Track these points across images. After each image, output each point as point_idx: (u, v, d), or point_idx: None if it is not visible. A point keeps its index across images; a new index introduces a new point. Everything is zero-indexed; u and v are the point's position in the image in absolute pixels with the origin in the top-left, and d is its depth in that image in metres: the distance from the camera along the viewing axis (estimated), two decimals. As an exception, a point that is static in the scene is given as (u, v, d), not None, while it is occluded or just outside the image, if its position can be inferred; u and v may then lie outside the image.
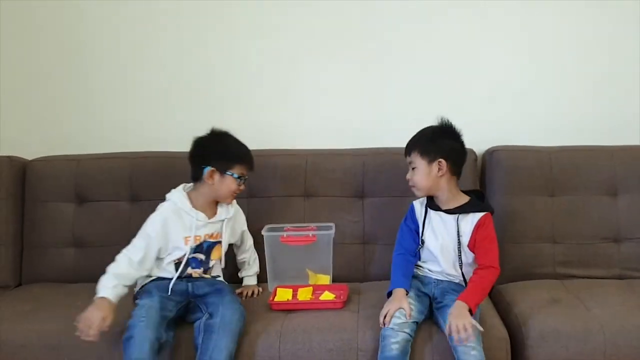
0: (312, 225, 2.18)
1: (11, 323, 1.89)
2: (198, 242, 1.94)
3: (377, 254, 2.25)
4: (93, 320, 1.71)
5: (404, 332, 1.71)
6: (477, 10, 2.39)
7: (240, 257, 2.15)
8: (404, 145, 2.33)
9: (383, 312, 1.76)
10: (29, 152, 2.41)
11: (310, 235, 2.10)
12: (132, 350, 1.68)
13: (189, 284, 1.91)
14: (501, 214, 2.21)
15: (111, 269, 1.84)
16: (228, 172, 1.94)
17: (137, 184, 2.29)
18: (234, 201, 2.06)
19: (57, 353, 1.81)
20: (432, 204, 1.94)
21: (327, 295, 1.98)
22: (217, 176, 1.94)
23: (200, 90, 2.48)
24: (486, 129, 2.36)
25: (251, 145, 2.35)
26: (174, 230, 1.91)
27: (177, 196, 1.95)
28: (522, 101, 2.43)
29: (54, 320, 1.89)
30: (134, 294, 1.93)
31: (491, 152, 2.31)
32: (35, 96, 2.51)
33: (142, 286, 1.92)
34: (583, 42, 2.39)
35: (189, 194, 1.97)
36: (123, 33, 2.47)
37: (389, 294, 1.83)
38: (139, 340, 1.69)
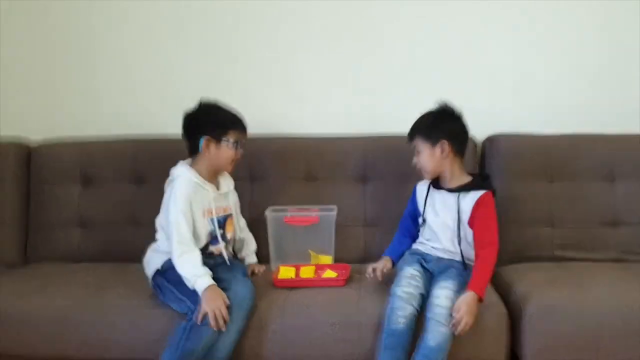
0: (315, 207, 2.21)
1: (18, 299, 1.92)
2: (217, 216, 1.95)
3: (378, 236, 2.27)
4: (221, 309, 1.72)
5: (412, 305, 1.75)
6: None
7: (237, 237, 2.14)
8: (404, 130, 2.36)
9: (369, 268, 1.90)
10: (35, 135, 2.44)
11: (313, 215, 2.13)
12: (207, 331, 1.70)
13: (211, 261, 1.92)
14: (501, 199, 2.22)
15: (186, 260, 1.81)
16: (223, 140, 1.93)
17: (141, 166, 2.32)
18: (231, 180, 2.07)
19: (63, 327, 1.84)
20: (436, 183, 2.00)
21: (329, 273, 2.01)
22: (212, 145, 1.93)
23: (204, 75, 2.50)
24: (486, 116, 2.39)
25: (254, 131, 2.38)
26: (195, 205, 1.90)
27: (187, 170, 1.93)
28: (522, 88, 2.46)
29: (60, 296, 1.93)
30: (154, 278, 1.91)
31: (491, 139, 2.34)
32: (40, 80, 2.54)
33: (163, 271, 1.89)
34: (583, 30, 2.42)
35: (193, 167, 1.96)
36: (128, 17, 2.50)
37: None
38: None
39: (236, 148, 1.95)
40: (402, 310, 1.74)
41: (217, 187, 2.00)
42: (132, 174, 2.33)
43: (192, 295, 1.79)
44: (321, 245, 2.17)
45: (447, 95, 2.44)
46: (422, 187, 2.04)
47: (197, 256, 1.84)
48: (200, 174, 1.95)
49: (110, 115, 2.52)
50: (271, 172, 2.33)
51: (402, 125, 2.39)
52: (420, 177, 2.04)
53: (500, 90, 2.46)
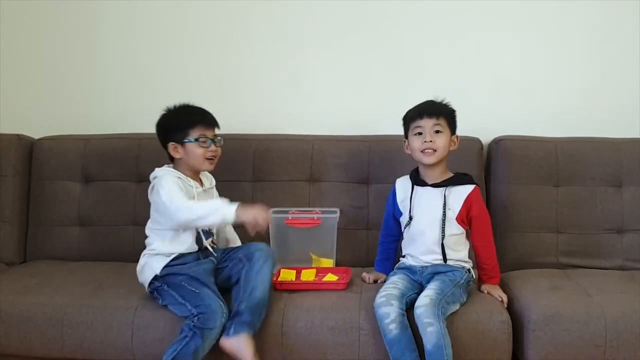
0: (317, 209, 2.19)
1: (16, 296, 1.90)
2: None
3: (381, 240, 2.25)
4: (260, 213, 1.78)
5: (393, 304, 1.73)
6: (484, 0, 2.40)
7: (222, 235, 2.10)
8: (409, 132, 2.35)
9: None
10: (37, 130, 2.43)
11: (315, 218, 2.11)
12: (212, 318, 1.71)
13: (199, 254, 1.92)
14: (506, 203, 2.22)
15: (195, 207, 1.83)
16: (185, 140, 1.91)
17: (143, 164, 2.30)
18: (212, 178, 2.06)
19: (61, 326, 1.82)
20: (417, 180, 1.97)
21: (330, 277, 1.99)
22: (179, 148, 1.92)
23: (208, 74, 2.49)
24: (492, 119, 2.37)
25: (258, 130, 2.39)
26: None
27: (167, 170, 1.93)
28: (528, 92, 2.44)
29: (58, 294, 1.91)
30: (151, 284, 1.88)
31: (497, 142, 2.32)
32: (44, 75, 2.54)
33: (161, 277, 1.86)
34: (591, 33, 2.40)
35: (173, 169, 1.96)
36: (133, 15, 2.49)
37: None
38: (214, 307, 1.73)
39: (203, 144, 1.91)
40: (387, 317, 1.71)
41: (201, 184, 2.00)
42: (134, 172, 2.32)
43: (193, 298, 1.77)
44: (323, 247, 2.15)
45: (454, 98, 2.43)
46: (404, 184, 2.00)
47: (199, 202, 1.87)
48: (183, 173, 1.94)
49: (113, 114, 2.51)
50: (274, 172, 2.31)
51: (408, 127, 2.38)
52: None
53: (507, 93, 2.44)
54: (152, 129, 2.37)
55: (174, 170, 1.94)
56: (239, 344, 1.71)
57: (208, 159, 1.93)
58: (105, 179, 2.32)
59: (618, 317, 1.74)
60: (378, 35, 2.45)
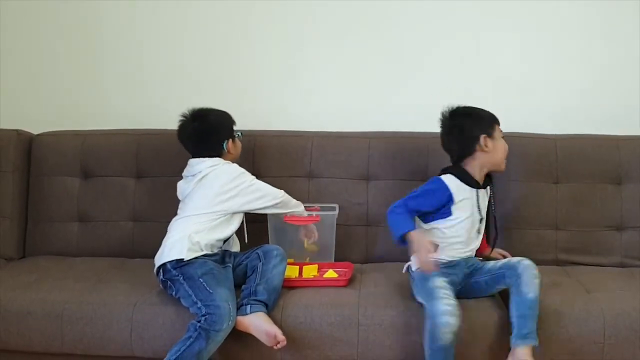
0: (316, 205, 2.19)
1: (16, 292, 1.90)
2: None
3: (380, 236, 2.25)
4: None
5: (457, 317, 1.67)
6: (485, -1, 2.40)
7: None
8: (410, 129, 2.36)
9: (419, 260, 1.74)
10: (36, 126, 2.42)
11: (314, 215, 2.11)
12: (219, 320, 1.71)
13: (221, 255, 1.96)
14: (506, 200, 2.22)
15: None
16: (235, 135, 2.08)
17: (143, 160, 2.30)
18: None
19: (60, 321, 1.82)
20: (471, 182, 1.89)
21: (331, 273, 1.99)
22: (231, 143, 2.06)
23: (208, 70, 2.49)
24: (492, 116, 2.37)
25: (257, 126, 2.38)
26: None
27: (221, 160, 2.02)
28: (528, 89, 2.43)
29: (57, 290, 1.91)
30: (166, 272, 1.87)
31: (497, 139, 2.32)
32: (43, 71, 2.53)
33: (182, 265, 1.85)
34: (590, 31, 2.40)
35: None
36: (133, 11, 2.48)
37: (401, 241, 1.78)
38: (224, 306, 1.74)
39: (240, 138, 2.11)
40: (448, 326, 1.65)
41: None
42: (133, 168, 2.31)
43: (206, 297, 1.75)
44: (322, 244, 2.15)
45: (454, 95, 2.42)
46: (457, 185, 1.88)
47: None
48: None
49: (112, 110, 2.51)
50: (273, 169, 2.30)
51: (408, 124, 2.39)
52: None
53: (507, 91, 2.44)
54: (151, 125, 2.40)
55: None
56: (258, 321, 1.74)
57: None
58: (105, 175, 2.32)
59: (617, 314, 1.74)
60: (378, 33, 2.44)
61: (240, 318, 1.75)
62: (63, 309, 1.83)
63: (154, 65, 2.50)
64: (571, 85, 2.42)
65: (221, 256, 1.96)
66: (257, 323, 1.73)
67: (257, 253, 1.94)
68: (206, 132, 2.04)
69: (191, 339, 1.69)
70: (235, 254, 2.00)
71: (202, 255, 1.88)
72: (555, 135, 2.30)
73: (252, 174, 2.28)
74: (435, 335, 1.66)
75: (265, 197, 2.00)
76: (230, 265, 1.95)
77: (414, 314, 1.77)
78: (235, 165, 2.03)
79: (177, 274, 1.83)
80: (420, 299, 1.78)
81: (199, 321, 1.71)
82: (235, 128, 2.09)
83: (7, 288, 1.92)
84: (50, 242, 2.30)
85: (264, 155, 2.30)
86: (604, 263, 2.17)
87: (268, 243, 2.14)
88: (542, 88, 2.43)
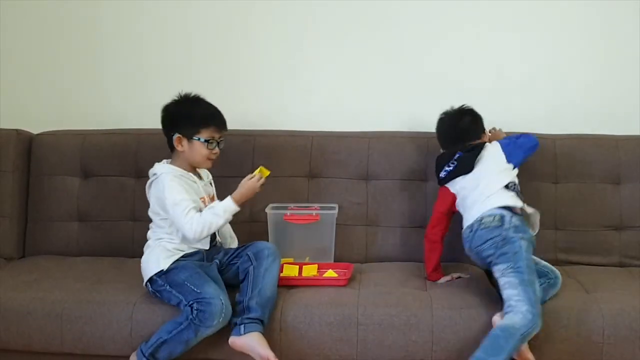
0: (316, 205, 2.19)
1: (15, 292, 1.90)
2: (207, 204, 1.92)
3: (380, 236, 2.26)
4: (247, 183, 1.87)
5: None
6: (484, -3, 2.41)
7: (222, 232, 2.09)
8: (408, 129, 2.36)
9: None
10: (36, 125, 2.42)
11: (314, 214, 2.11)
12: (210, 317, 1.70)
13: (204, 253, 1.93)
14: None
15: (197, 218, 1.83)
16: (194, 137, 1.90)
17: (142, 160, 2.30)
18: (208, 172, 2.06)
19: (59, 321, 1.82)
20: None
21: (331, 273, 2.00)
22: (185, 142, 1.91)
23: (208, 70, 2.49)
24: (491, 116, 2.35)
25: (257, 126, 2.38)
26: (190, 192, 1.89)
27: (166, 167, 1.92)
28: (528, 89, 2.43)
29: (57, 289, 1.91)
30: (153, 282, 1.86)
31: (496, 138, 2.32)
32: (43, 70, 2.53)
33: (164, 273, 1.85)
34: (590, 31, 2.40)
35: (173, 164, 1.95)
36: (132, 11, 2.48)
37: None
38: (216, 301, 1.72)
39: (210, 146, 1.92)
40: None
41: (200, 177, 1.99)
42: (133, 167, 2.31)
43: (195, 297, 1.74)
44: (321, 243, 2.15)
45: (453, 94, 2.43)
46: None
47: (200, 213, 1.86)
48: (183, 168, 1.94)
49: (112, 109, 2.51)
50: (273, 168, 2.27)
51: (407, 124, 2.39)
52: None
53: (507, 90, 2.44)
54: (151, 125, 2.37)
55: (174, 167, 1.92)
56: (252, 342, 1.71)
57: (209, 159, 1.94)
58: (104, 175, 2.32)
59: (616, 314, 1.74)
60: (378, 32, 2.44)
61: (234, 338, 1.73)
62: (63, 309, 1.83)
63: (154, 65, 2.50)
64: (570, 85, 2.43)
65: (205, 255, 1.92)
66: (251, 345, 1.71)
67: (247, 255, 1.88)
68: (162, 114, 1.96)
69: (181, 326, 1.71)
70: (227, 250, 1.96)
71: (182, 257, 1.87)
72: (554, 135, 2.30)
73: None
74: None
75: (179, 228, 1.86)
76: (217, 261, 1.92)
77: (413, 314, 1.78)
78: (170, 177, 1.86)
79: (162, 283, 1.83)
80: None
81: (191, 313, 1.71)
82: (206, 133, 1.91)
83: (7, 287, 1.92)
84: (50, 241, 2.30)
85: (264, 155, 2.30)
86: (603, 263, 2.17)
87: (269, 241, 2.14)
88: (542, 88, 2.44)
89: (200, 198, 1.93)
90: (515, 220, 1.84)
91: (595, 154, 2.25)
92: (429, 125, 2.35)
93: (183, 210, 1.83)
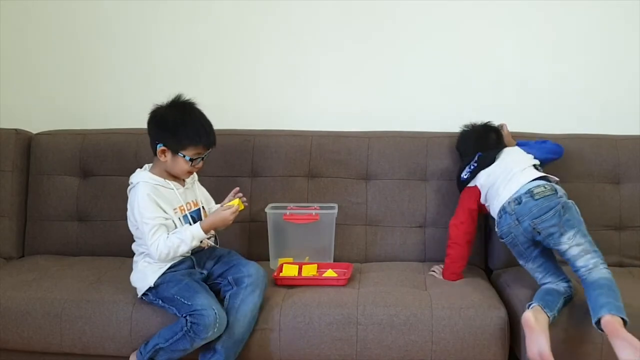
0: (315, 205, 2.19)
1: (15, 291, 1.90)
2: (186, 212, 1.89)
3: (379, 236, 2.26)
4: (220, 214, 1.84)
5: None
6: (485, -2, 2.41)
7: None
8: (409, 128, 2.36)
9: None
10: (35, 125, 2.42)
11: (313, 214, 2.11)
12: (204, 330, 1.69)
13: (194, 259, 1.91)
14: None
15: (163, 240, 1.79)
16: (180, 154, 1.84)
17: (142, 159, 2.27)
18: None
19: (59, 320, 1.83)
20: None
21: (330, 273, 1.99)
22: (169, 155, 1.85)
23: (208, 69, 2.49)
24: (492, 115, 2.36)
25: (257, 125, 2.38)
26: (165, 206, 1.84)
27: (145, 176, 1.88)
28: (527, 88, 2.44)
29: (56, 289, 1.91)
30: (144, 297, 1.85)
31: (495, 138, 2.32)
32: (42, 70, 2.53)
33: (154, 287, 1.83)
34: (589, 31, 2.40)
35: (151, 172, 1.90)
36: (133, 10, 2.48)
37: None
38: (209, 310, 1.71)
39: (194, 163, 1.86)
40: None
41: (183, 182, 1.94)
42: (132, 167, 2.27)
43: (187, 310, 1.72)
44: (321, 243, 2.15)
45: (454, 94, 2.43)
46: None
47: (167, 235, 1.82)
48: (160, 175, 1.89)
49: (111, 109, 2.51)
50: (272, 168, 2.30)
51: (407, 123, 2.39)
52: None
53: (506, 89, 2.44)
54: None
55: (152, 175, 1.88)
56: None
57: (190, 172, 1.91)
58: (103, 174, 2.32)
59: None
60: (378, 33, 2.44)
61: None
62: (62, 308, 1.83)
63: (154, 64, 2.50)
64: (569, 84, 2.43)
65: (195, 260, 1.90)
66: None
67: (227, 279, 1.84)
68: (150, 117, 1.89)
69: (177, 336, 1.71)
70: (219, 258, 1.92)
71: (170, 268, 1.84)
72: (554, 134, 2.30)
73: (251, 174, 2.30)
74: None
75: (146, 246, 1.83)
76: (206, 272, 1.89)
77: (412, 313, 1.78)
78: (139, 194, 1.82)
79: (154, 298, 1.82)
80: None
81: (186, 325, 1.70)
82: (191, 151, 1.83)
83: (6, 287, 1.92)
84: (49, 241, 2.30)
85: (263, 155, 2.30)
86: None
87: (268, 241, 2.15)
88: (541, 87, 2.44)
89: (178, 207, 1.88)
90: (561, 188, 1.89)
91: (595, 154, 2.25)
92: (429, 125, 2.35)
93: (150, 230, 1.79)
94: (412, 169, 2.27)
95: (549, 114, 2.43)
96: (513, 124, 2.35)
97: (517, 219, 1.85)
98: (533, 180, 1.89)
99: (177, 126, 1.84)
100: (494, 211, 1.95)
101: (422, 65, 2.45)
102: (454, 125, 2.29)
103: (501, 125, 2.22)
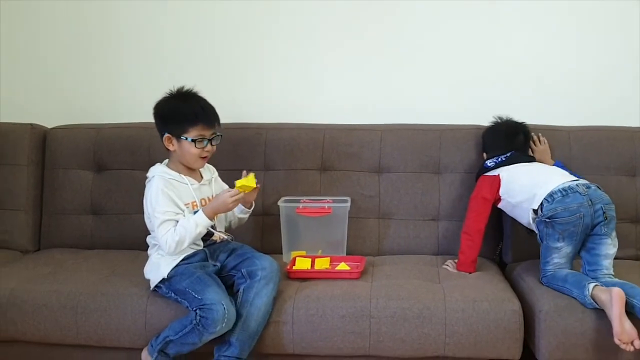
0: (328, 198, 2.19)
1: (31, 284, 1.92)
2: (198, 208, 1.88)
3: (392, 229, 2.25)
4: (222, 197, 1.82)
5: None
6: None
7: (233, 220, 2.07)
8: (421, 121, 2.35)
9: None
10: (50, 120, 2.44)
11: (326, 207, 2.11)
12: (213, 324, 1.69)
13: (207, 251, 1.92)
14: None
15: (171, 231, 1.80)
16: (182, 137, 1.85)
17: (155, 153, 2.29)
18: (213, 168, 2.03)
19: (74, 313, 1.84)
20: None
21: (343, 266, 1.99)
22: (174, 142, 1.87)
23: (219, 63, 2.49)
24: (506, 108, 2.34)
25: (269, 119, 2.38)
26: (178, 201, 1.85)
27: (160, 169, 1.89)
28: (542, 81, 2.41)
29: (72, 282, 1.93)
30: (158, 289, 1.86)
31: (510, 131, 2.30)
32: (57, 66, 2.55)
33: (167, 279, 1.84)
34: (606, 23, 2.37)
35: (168, 166, 1.92)
36: (146, 5, 2.49)
37: None
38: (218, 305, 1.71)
39: (200, 144, 1.86)
40: None
41: (200, 178, 1.95)
42: (146, 160, 2.30)
43: (198, 304, 1.73)
44: (334, 236, 2.15)
45: (467, 88, 2.41)
46: None
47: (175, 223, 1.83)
48: (177, 170, 1.91)
49: (124, 103, 2.52)
50: (285, 161, 2.30)
51: (420, 116, 2.38)
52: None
53: (521, 82, 2.42)
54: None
55: (166, 170, 1.90)
56: None
57: (202, 157, 1.90)
58: (118, 168, 2.33)
59: (631, 307, 1.72)
60: (390, 26, 2.43)
61: None
62: (78, 301, 1.85)
63: (166, 60, 2.51)
64: (585, 76, 2.40)
65: (208, 253, 1.90)
66: None
67: (241, 272, 1.84)
68: (153, 111, 1.91)
69: (187, 329, 1.72)
70: (233, 251, 1.92)
71: (183, 260, 1.85)
72: (569, 127, 2.28)
73: (264, 168, 2.30)
74: None
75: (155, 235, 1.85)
76: (219, 264, 1.90)
77: (426, 306, 1.77)
78: (153, 188, 1.83)
79: (167, 291, 1.83)
80: None
81: (195, 319, 1.71)
82: (193, 132, 1.85)
83: (23, 280, 1.94)
84: (64, 234, 2.32)
85: (276, 148, 2.30)
86: (619, 255, 2.09)
87: (281, 234, 2.15)
88: (556, 80, 2.41)
89: (190, 203, 1.88)
90: None
91: (610, 146, 2.23)
92: (442, 117, 2.34)
93: (161, 223, 1.81)
94: (425, 162, 2.26)
95: (564, 107, 2.40)
96: (529, 117, 2.33)
97: (590, 200, 1.86)
98: (578, 178, 1.96)
99: (175, 110, 1.87)
100: (540, 196, 1.88)
101: (436, 58, 2.43)
102: (468, 118, 2.28)
103: (539, 138, 2.21)
